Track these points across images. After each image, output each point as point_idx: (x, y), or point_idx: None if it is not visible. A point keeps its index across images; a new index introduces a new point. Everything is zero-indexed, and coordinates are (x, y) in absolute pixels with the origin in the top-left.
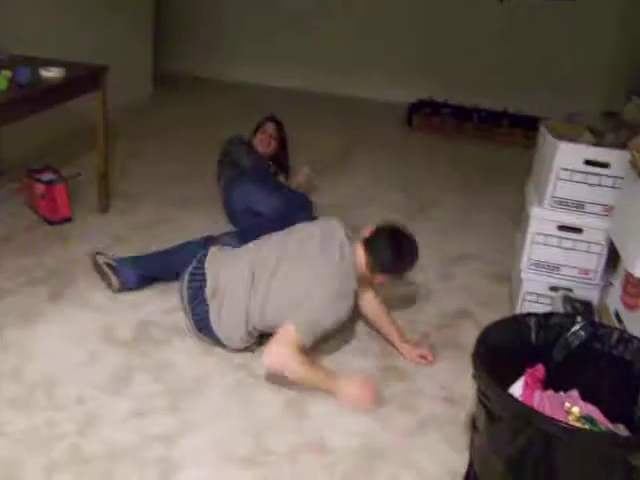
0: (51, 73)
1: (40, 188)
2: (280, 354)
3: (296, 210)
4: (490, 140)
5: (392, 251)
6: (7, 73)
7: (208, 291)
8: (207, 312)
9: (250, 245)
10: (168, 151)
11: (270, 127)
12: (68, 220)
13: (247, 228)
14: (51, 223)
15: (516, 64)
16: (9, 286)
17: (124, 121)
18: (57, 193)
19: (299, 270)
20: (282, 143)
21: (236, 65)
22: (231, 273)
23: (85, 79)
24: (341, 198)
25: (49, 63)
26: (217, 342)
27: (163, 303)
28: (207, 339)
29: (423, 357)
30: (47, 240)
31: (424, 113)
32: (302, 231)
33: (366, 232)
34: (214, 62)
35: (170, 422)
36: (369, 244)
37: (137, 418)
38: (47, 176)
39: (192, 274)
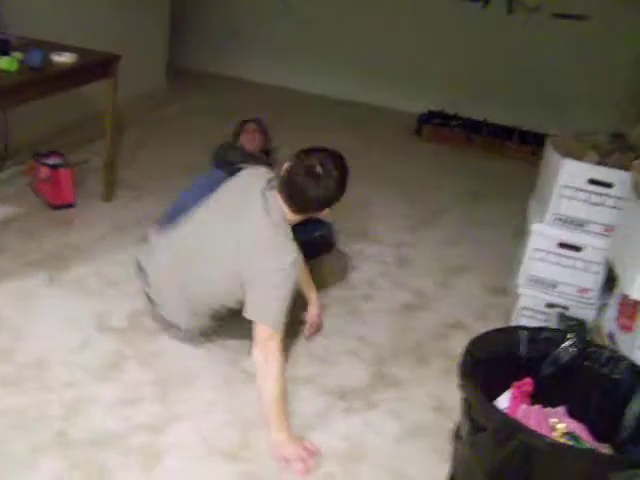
0: (63, 58)
1: (45, 171)
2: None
3: None
4: (498, 154)
5: (315, 190)
6: (18, 55)
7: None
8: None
9: (173, 231)
10: (177, 144)
11: (250, 125)
12: (71, 206)
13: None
14: (54, 207)
15: (528, 80)
16: (9, 267)
17: (135, 111)
18: (62, 178)
19: (231, 246)
20: (264, 134)
21: (249, 64)
22: (159, 264)
23: (97, 66)
24: (344, 204)
25: (62, 48)
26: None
27: None
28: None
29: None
30: (48, 224)
31: (434, 124)
32: (224, 202)
33: (282, 172)
34: (228, 60)
35: (157, 411)
36: (286, 190)
37: (124, 405)
38: (53, 160)
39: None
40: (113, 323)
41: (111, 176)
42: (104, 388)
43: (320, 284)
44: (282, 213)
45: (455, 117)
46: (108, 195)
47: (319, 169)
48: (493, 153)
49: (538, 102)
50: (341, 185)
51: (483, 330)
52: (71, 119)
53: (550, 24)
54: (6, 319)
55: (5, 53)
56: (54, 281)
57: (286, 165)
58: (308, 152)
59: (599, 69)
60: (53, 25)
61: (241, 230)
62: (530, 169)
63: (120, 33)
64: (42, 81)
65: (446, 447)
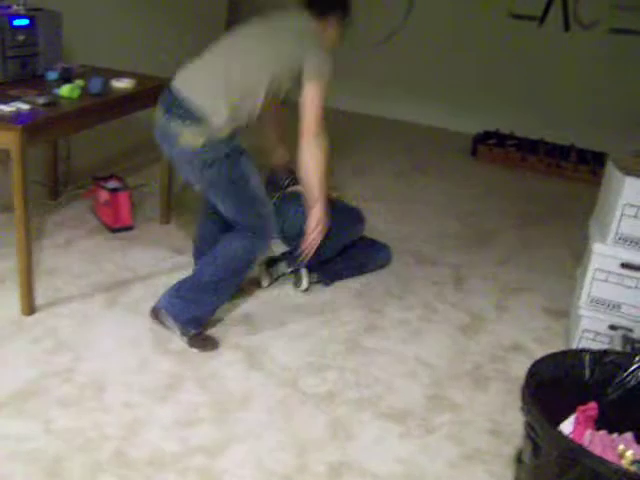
0: (122, 84)
1: (104, 195)
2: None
3: None
4: (555, 174)
5: None
6: (80, 82)
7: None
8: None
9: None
10: None
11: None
12: (129, 228)
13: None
14: (113, 230)
15: (585, 98)
16: (69, 289)
17: None
18: (120, 201)
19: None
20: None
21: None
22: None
23: (155, 91)
24: (397, 223)
25: (121, 75)
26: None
27: (216, 315)
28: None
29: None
30: (107, 246)
31: (489, 144)
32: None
33: None
34: None
35: (214, 433)
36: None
37: (182, 427)
38: (112, 184)
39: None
40: (171, 345)
41: (168, 199)
42: (162, 409)
43: (377, 305)
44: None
45: (511, 137)
46: (165, 218)
47: None
48: (550, 174)
49: (596, 120)
50: None
51: (542, 353)
52: (129, 144)
53: (608, 41)
54: (66, 340)
55: (68, 81)
56: (113, 303)
57: None
58: None
59: None
60: (112, 52)
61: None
62: (588, 189)
63: (176, 58)
64: (103, 107)
65: (504, 472)
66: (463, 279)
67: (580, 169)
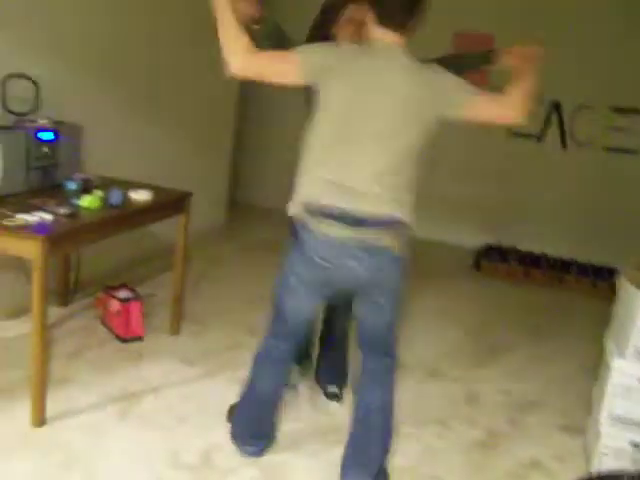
0: (140, 195)
1: (116, 305)
2: None
3: None
4: (558, 288)
5: None
6: (99, 193)
7: None
8: None
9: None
10: (239, 276)
11: (353, 10)
12: (140, 339)
13: None
14: (123, 340)
15: (585, 213)
16: (80, 400)
17: (198, 245)
18: (132, 311)
19: None
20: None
21: None
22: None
23: (171, 203)
24: (406, 341)
25: (138, 186)
26: None
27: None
28: None
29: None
30: (118, 357)
31: (492, 258)
32: None
33: None
34: (283, 195)
35: None
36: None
37: None
38: (124, 294)
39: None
40: (185, 460)
41: (178, 310)
42: None
43: None
44: None
45: (513, 251)
46: (175, 328)
47: None
48: (553, 287)
49: (596, 234)
50: None
51: (562, 471)
52: (138, 252)
53: (606, 158)
54: (76, 455)
55: (87, 191)
56: (125, 415)
57: None
58: None
59: None
60: (129, 164)
61: None
62: (591, 301)
63: (184, 171)
64: (122, 218)
65: None
66: (475, 394)
67: (582, 281)
